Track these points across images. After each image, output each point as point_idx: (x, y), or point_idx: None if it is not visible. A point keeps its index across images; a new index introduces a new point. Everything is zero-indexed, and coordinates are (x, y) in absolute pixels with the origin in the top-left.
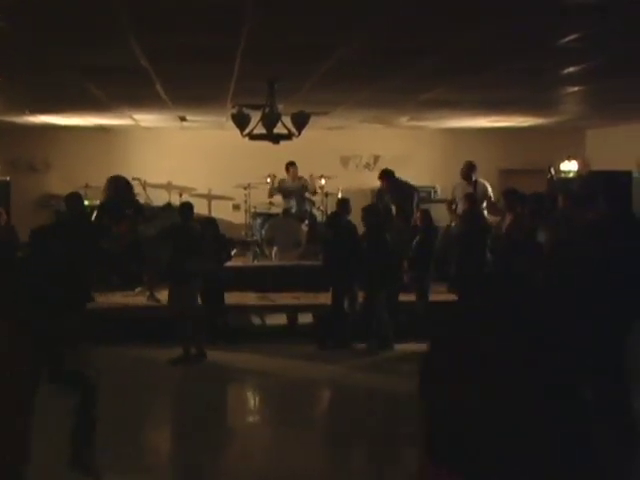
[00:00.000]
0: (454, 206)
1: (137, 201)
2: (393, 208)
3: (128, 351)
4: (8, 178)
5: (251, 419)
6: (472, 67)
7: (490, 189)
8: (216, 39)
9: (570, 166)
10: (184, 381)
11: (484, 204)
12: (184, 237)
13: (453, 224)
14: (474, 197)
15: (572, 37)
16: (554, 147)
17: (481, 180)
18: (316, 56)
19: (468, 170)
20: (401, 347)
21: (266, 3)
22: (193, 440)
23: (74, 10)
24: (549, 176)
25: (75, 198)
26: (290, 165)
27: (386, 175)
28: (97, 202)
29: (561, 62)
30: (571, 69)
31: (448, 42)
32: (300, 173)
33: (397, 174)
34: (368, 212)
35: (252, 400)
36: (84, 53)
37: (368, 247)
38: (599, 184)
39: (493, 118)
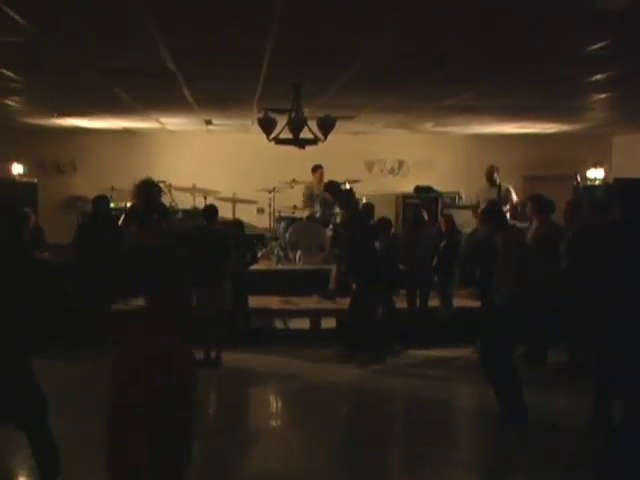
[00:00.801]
0: (479, 210)
1: (164, 205)
2: (425, 214)
3: None
4: (35, 180)
5: (272, 422)
6: (498, 73)
7: (514, 193)
8: (243, 43)
9: (596, 173)
10: (205, 383)
11: (506, 208)
12: (208, 240)
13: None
14: (495, 202)
15: (600, 45)
16: (580, 154)
17: (504, 184)
18: (342, 61)
19: (490, 173)
20: (425, 352)
21: (294, 7)
22: (213, 442)
23: (101, 13)
24: (575, 183)
25: (101, 200)
26: (317, 168)
27: (327, 189)
28: (122, 204)
29: (589, 69)
30: (598, 76)
31: (474, 48)
32: (325, 177)
33: (422, 179)
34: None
35: (273, 403)
36: (111, 57)
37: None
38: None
39: (518, 124)
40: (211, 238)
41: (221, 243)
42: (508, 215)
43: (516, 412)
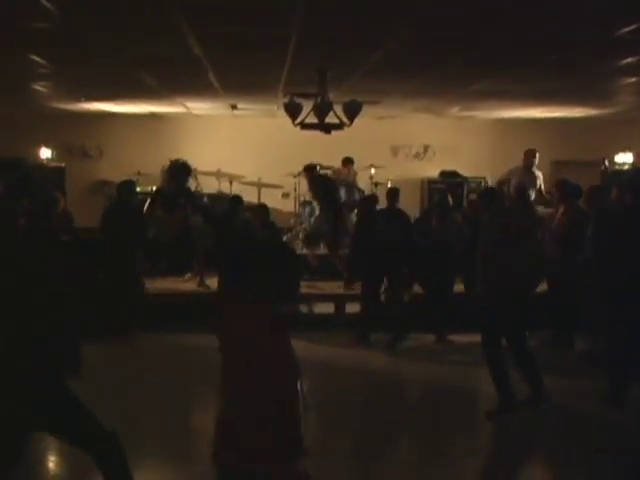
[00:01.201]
0: (505, 187)
1: (190, 190)
2: (450, 199)
3: (177, 337)
4: (63, 164)
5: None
6: (524, 58)
7: (542, 179)
8: (269, 28)
9: (625, 158)
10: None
11: (532, 194)
12: (231, 228)
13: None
14: (524, 189)
15: (630, 28)
16: (608, 138)
17: (536, 171)
18: (367, 46)
19: (532, 157)
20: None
21: None
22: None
23: (129, 1)
24: (603, 168)
25: (127, 185)
26: (348, 162)
27: (305, 171)
28: (149, 189)
29: (618, 53)
30: (629, 60)
31: (500, 33)
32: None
33: (447, 164)
34: (362, 202)
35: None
36: (138, 42)
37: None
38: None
39: (545, 108)
40: (233, 226)
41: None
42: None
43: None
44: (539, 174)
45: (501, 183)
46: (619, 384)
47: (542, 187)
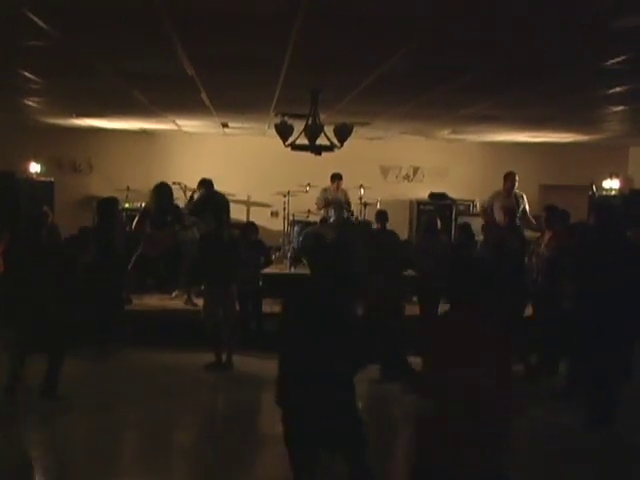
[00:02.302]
0: (489, 210)
1: (178, 208)
2: (439, 223)
3: (162, 354)
4: (52, 179)
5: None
6: (515, 84)
7: (526, 201)
8: (263, 50)
9: (612, 184)
10: (215, 386)
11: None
12: (218, 243)
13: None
14: (513, 211)
15: (618, 59)
16: (596, 164)
17: (518, 192)
18: (360, 69)
19: (512, 181)
20: None
21: (313, 18)
22: (223, 445)
23: (122, 20)
24: (590, 193)
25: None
26: (336, 178)
27: (201, 184)
28: (138, 205)
29: (607, 82)
30: (617, 89)
31: (492, 60)
32: (342, 186)
33: (436, 186)
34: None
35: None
36: (131, 61)
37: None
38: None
39: (534, 133)
40: (220, 241)
41: (229, 247)
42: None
43: None
44: (524, 196)
45: (484, 209)
46: (600, 410)
47: (527, 209)
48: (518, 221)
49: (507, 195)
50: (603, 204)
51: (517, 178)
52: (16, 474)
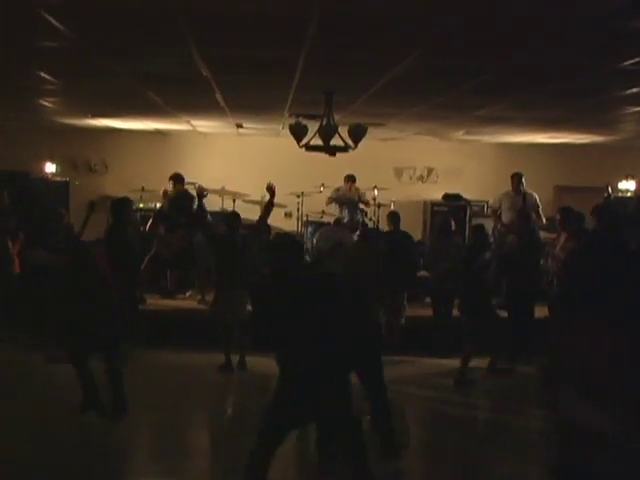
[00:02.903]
0: (499, 212)
1: (192, 208)
2: (453, 223)
3: (176, 354)
4: (67, 179)
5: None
6: (529, 86)
7: (537, 199)
8: (277, 52)
9: (628, 185)
10: (229, 387)
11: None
12: (228, 246)
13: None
14: (527, 213)
15: (635, 60)
16: (612, 165)
17: (529, 191)
18: (375, 71)
19: (518, 181)
20: (447, 361)
21: (330, 18)
22: (235, 445)
23: (138, 22)
24: (606, 195)
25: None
26: (350, 179)
27: (171, 179)
28: (152, 205)
29: (623, 83)
30: (634, 90)
31: (507, 61)
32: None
33: (450, 187)
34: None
35: None
36: (147, 63)
37: None
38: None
39: (549, 134)
40: (231, 244)
41: (239, 250)
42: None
43: None
44: (534, 194)
45: (494, 210)
46: None
47: (540, 207)
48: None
49: (516, 195)
50: (604, 207)
51: (524, 177)
52: (25, 473)
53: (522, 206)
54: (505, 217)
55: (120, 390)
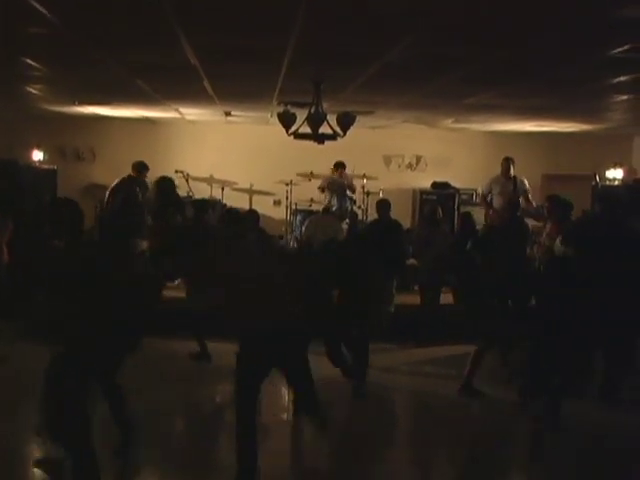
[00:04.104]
0: (489, 198)
1: (180, 199)
2: (440, 212)
3: (165, 342)
4: (55, 167)
5: (280, 415)
6: (518, 75)
7: (527, 184)
8: (266, 40)
9: (615, 174)
10: (206, 377)
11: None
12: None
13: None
14: (516, 202)
15: (623, 48)
16: (600, 153)
17: (519, 177)
18: (363, 59)
19: (508, 166)
20: (434, 350)
21: (318, 6)
22: (218, 437)
23: (125, 9)
24: (593, 183)
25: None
26: (339, 166)
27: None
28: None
29: (611, 72)
30: (621, 78)
31: (495, 50)
32: (345, 174)
33: (439, 175)
34: None
35: (277, 397)
36: (134, 51)
37: None
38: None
39: (538, 122)
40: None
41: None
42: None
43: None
44: (524, 180)
45: (484, 196)
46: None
47: (529, 193)
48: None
49: (505, 179)
50: (607, 194)
51: (513, 161)
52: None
53: (513, 191)
54: (496, 202)
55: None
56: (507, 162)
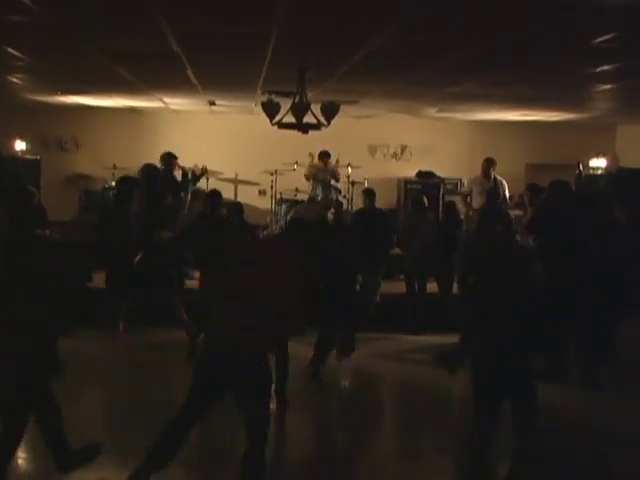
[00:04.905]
0: (469, 199)
1: (175, 179)
2: (425, 201)
3: (156, 332)
4: (38, 157)
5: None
6: (503, 63)
7: (506, 187)
8: (249, 27)
9: (599, 163)
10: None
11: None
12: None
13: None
14: (496, 193)
15: (605, 37)
16: (584, 142)
17: (499, 177)
18: (347, 47)
19: (487, 167)
20: (420, 338)
21: None
22: (211, 424)
23: None
24: (577, 172)
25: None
26: (324, 156)
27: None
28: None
29: (594, 61)
30: (604, 67)
31: (479, 38)
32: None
33: (424, 165)
34: None
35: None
36: (116, 38)
37: None
38: None
39: (522, 112)
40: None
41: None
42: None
43: None
44: (504, 182)
45: (465, 196)
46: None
47: (507, 196)
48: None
49: (486, 180)
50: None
51: (494, 162)
52: None
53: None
54: (475, 202)
55: None
56: (487, 163)
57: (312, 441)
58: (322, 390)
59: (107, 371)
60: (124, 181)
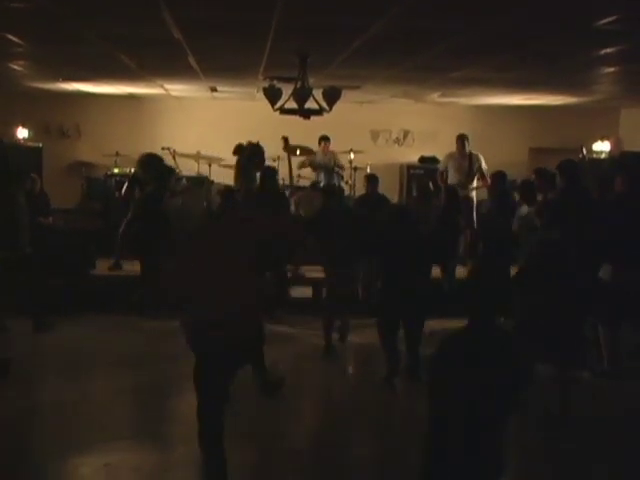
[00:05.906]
0: (445, 175)
1: (167, 169)
2: (431, 186)
3: (154, 320)
4: (40, 144)
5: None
6: (504, 47)
7: (482, 160)
8: (250, 12)
9: (602, 147)
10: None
11: (476, 175)
12: None
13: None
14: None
15: (609, 19)
16: (587, 126)
17: (474, 152)
18: (349, 32)
19: (462, 142)
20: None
21: None
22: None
23: None
24: (580, 156)
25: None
26: (323, 140)
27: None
28: (127, 170)
29: (597, 43)
30: (608, 50)
31: (481, 22)
32: (330, 146)
33: (427, 150)
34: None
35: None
36: (117, 25)
37: None
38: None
39: (525, 96)
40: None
41: None
42: (475, 183)
43: None
44: (479, 156)
45: (441, 172)
46: None
47: (484, 169)
48: (475, 182)
49: (461, 156)
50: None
51: (467, 138)
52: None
53: (468, 167)
54: (451, 178)
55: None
56: (461, 139)
57: (308, 424)
58: (321, 372)
59: (121, 357)
60: None
